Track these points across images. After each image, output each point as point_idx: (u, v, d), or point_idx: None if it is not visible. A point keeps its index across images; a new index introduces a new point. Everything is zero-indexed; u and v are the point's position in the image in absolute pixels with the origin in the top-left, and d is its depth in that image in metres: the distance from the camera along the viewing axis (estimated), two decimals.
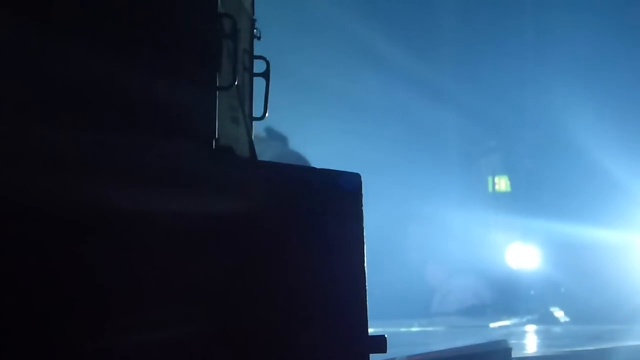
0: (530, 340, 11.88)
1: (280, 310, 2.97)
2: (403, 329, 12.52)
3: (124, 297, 2.80)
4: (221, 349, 2.90)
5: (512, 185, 17.47)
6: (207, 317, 2.88)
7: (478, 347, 7.75)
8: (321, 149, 13.01)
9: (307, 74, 15.09)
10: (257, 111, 3.63)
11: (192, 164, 2.97)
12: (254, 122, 3.58)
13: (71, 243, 2.77)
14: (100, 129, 2.95)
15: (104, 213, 2.79)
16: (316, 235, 3.06)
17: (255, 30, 3.61)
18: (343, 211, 3.11)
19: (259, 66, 3.61)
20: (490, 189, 17.65)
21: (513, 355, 7.92)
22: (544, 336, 12.51)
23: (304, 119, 14.74)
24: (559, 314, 15.37)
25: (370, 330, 3.14)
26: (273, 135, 12.12)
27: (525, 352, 9.69)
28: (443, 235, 16.45)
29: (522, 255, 16.39)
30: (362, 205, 3.15)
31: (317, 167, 3.20)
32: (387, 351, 3.17)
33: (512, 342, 8.73)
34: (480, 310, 15.86)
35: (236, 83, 3.23)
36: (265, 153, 4.14)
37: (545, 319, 14.92)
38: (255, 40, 3.62)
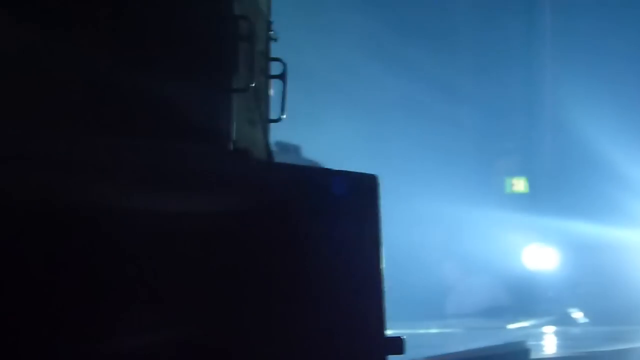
0: (549, 342, 11.85)
1: (298, 311, 2.98)
2: (421, 331, 12.50)
3: (149, 297, 2.82)
4: (238, 349, 2.90)
5: (530, 186, 17.43)
6: (228, 317, 2.89)
7: (497, 348, 7.74)
8: (336, 153, 12.96)
9: (320, 76, 15.06)
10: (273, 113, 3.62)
11: (209, 165, 2.97)
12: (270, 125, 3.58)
13: (92, 244, 2.79)
14: (118, 131, 2.96)
15: (121, 214, 2.80)
16: (333, 237, 3.06)
17: (271, 32, 3.60)
18: (360, 212, 3.10)
19: (275, 68, 3.61)
20: (508, 189, 17.62)
21: (532, 357, 7.91)
22: (562, 337, 12.47)
23: (317, 124, 14.71)
24: (577, 315, 15.33)
25: (389, 332, 3.13)
26: (284, 147, 12.01)
27: (544, 353, 9.67)
28: (461, 237, 16.43)
29: (540, 256, 16.36)
30: (379, 207, 3.14)
31: (334, 169, 3.20)
32: (405, 353, 3.16)
33: (531, 343, 8.71)
34: (498, 311, 15.82)
35: (252, 85, 3.23)
36: None
37: (563, 320, 14.88)
38: (271, 42, 3.62)
